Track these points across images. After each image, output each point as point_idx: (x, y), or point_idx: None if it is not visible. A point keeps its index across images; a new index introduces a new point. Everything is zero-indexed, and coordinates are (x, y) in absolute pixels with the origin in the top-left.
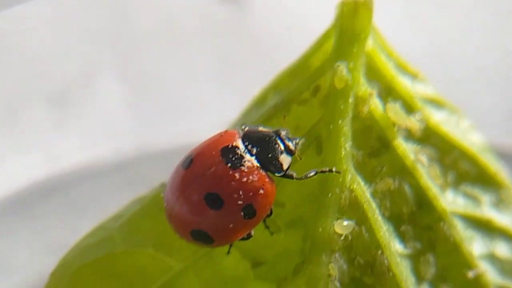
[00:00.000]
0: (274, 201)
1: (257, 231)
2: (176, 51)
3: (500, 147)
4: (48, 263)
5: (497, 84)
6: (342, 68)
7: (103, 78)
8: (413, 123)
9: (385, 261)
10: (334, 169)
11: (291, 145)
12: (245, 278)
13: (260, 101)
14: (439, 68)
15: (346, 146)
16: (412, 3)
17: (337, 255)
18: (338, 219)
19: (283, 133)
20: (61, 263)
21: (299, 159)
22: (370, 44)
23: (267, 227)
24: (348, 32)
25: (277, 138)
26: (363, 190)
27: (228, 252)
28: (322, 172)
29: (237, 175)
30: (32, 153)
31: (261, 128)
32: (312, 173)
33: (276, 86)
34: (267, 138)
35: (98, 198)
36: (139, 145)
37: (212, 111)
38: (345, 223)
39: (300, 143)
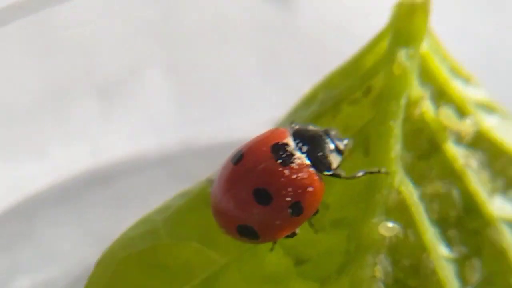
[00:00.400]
0: (322, 201)
1: (301, 229)
2: (225, 48)
3: None
4: (92, 253)
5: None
6: (401, 54)
7: (152, 73)
8: (465, 126)
9: (431, 265)
10: (383, 170)
11: (340, 144)
12: (287, 275)
13: (309, 99)
14: (493, 73)
15: (396, 147)
16: (469, 6)
17: (382, 256)
18: (383, 221)
19: (332, 132)
20: (106, 253)
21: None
22: (425, 46)
23: (312, 225)
24: (403, 33)
25: (327, 137)
26: (411, 192)
27: (272, 249)
28: (371, 172)
29: (286, 171)
30: (78, 144)
31: (311, 127)
32: (361, 173)
33: (326, 85)
34: (318, 137)
35: (140, 191)
36: (183, 139)
37: (258, 109)
38: (390, 225)
39: (349, 143)
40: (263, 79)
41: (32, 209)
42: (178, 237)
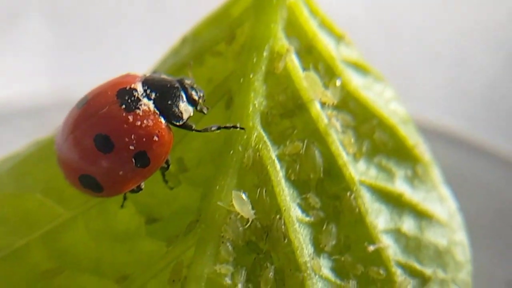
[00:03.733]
0: (178, 156)
1: (157, 186)
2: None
3: (440, 126)
4: None
5: (443, 63)
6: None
7: (30, 19)
8: (328, 97)
9: (282, 227)
10: (238, 125)
11: (194, 95)
12: (135, 234)
13: (176, 50)
14: (384, 42)
15: (256, 102)
16: None
17: (232, 215)
18: (238, 189)
19: (187, 82)
20: None
21: (205, 111)
22: None
23: (165, 181)
24: None
25: (179, 86)
26: (268, 150)
27: (122, 206)
28: (225, 127)
29: (130, 117)
30: None
31: (164, 76)
32: (214, 128)
33: (194, 35)
34: (168, 85)
35: (5, 141)
36: (56, 90)
37: (141, 64)
38: (243, 197)
39: (203, 95)
40: (146, 32)
41: None
42: (22, 187)
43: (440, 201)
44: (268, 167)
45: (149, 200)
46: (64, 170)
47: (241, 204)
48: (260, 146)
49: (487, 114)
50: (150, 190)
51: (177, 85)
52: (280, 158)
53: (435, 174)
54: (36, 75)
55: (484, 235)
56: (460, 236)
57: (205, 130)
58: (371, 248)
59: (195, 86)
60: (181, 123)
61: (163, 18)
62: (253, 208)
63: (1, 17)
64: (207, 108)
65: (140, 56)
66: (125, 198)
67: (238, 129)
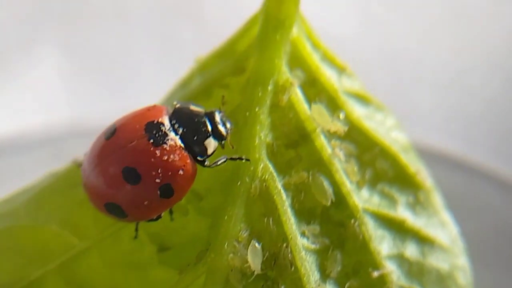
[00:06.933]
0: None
1: (167, 216)
2: (121, 29)
3: (439, 149)
4: None
5: (440, 85)
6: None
7: (43, 49)
8: (336, 126)
9: (289, 255)
10: (244, 157)
11: (222, 129)
12: (148, 263)
13: (185, 82)
14: (381, 66)
15: (261, 135)
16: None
17: (240, 245)
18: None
19: (217, 115)
20: None
21: (231, 147)
22: (295, 32)
23: (171, 212)
24: (273, 18)
25: (206, 120)
26: (274, 180)
27: (136, 237)
28: (232, 159)
29: (158, 152)
30: None
31: (193, 107)
32: (222, 160)
33: (202, 68)
34: (196, 119)
35: (21, 171)
36: (71, 120)
37: (152, 92)
38: (259, 247)
39: (231, 128)
40: (159, 62)
41: None
42: (38, 219)
43: (441, 227)
44: (275, 196)
45: (160, 229)
46: (90, 196)
47: (254, 255)
48: (267, 176)
49: (485, 136)
50: (161, 220)
51: (204, 119)
52: (286, 187)
53: (437, 200)
54: (51, 104)
55: (485, 256)
56: (462, 260)
57: (215, 164)
58: (376, 274)
59: (224, 119)
60: (205, 158)
61: (173, 47)
62: (260, 240)
63: (14, 45)
64: (232, 146)
65: (152, 84)
66: (137, 230)
67: (244, 160)
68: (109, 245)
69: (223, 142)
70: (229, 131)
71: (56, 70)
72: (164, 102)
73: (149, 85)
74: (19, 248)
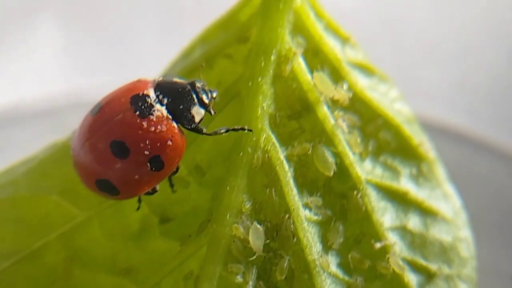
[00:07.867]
0: (190, 158)
1: (169, 188)
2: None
3: (444, 122)
4: None
5: (445, 58)
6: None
7: (43, 17)
8: (340, 93)
9: (291, 226)
10: (246, 128)
11: (205, 97)
12: (149, 234)
13: (187, 53)
14: (385, 38)
15: (264, 105)
16: None
17: (243, 216)
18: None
19: (198, 84)
20: None
21: (213, 113)
22: (298, 0)
23: (172, 185)
24: None
25: (190, 90)
26: (277, 151)
27: (138, 208)
28: (234, 130)
29: (145, 123)
30: None
31: (176, 79)
32: (223, 130)
33: (203, 39)
34: (180, 89)
35: (20, 142)
36: (71, 91)
37: (153, 63)
38: (261, 229)
39: (215, 96)
40: (159, 33)
41: None
42: (38, 189)
43: (444, 199)
44: (277, 167)
45: (162, 200)
46: (81, 175)
47: (255, 237)
48: (269, 147)
49: (490, 110)
50: (163, 191)
51: (188, 88)
52: (288, 158)
53: (440, 172)
54: (49, 76)
55: (488, 230)
56: (465, 232)
57: (215, 133)
58: (378, 245)
59: (206, 88)
60: (193, 126)
61: (175, 19)
62: (263, 208)
63: (13, 17)
64: (215, 112)
65: (152, 57)
66: (140, 201)
67: (246, 131)
68: (109, 215)
69: (211, 110)
70: (211, 99)
71: (56, 41)
72: (166, 73)
73: (150, 56)
74: (20, 218)
